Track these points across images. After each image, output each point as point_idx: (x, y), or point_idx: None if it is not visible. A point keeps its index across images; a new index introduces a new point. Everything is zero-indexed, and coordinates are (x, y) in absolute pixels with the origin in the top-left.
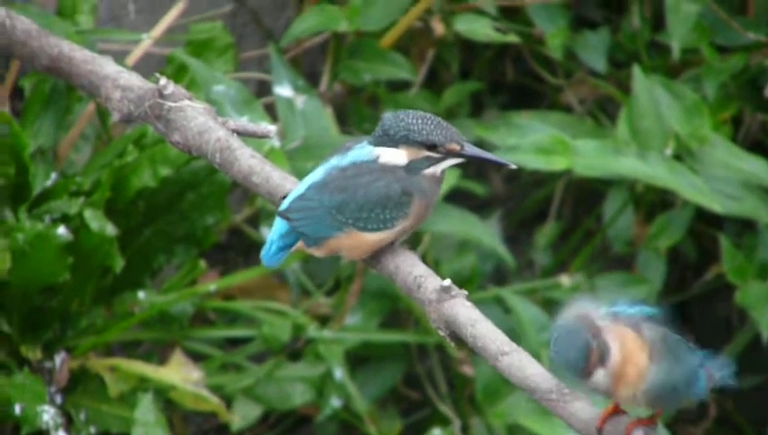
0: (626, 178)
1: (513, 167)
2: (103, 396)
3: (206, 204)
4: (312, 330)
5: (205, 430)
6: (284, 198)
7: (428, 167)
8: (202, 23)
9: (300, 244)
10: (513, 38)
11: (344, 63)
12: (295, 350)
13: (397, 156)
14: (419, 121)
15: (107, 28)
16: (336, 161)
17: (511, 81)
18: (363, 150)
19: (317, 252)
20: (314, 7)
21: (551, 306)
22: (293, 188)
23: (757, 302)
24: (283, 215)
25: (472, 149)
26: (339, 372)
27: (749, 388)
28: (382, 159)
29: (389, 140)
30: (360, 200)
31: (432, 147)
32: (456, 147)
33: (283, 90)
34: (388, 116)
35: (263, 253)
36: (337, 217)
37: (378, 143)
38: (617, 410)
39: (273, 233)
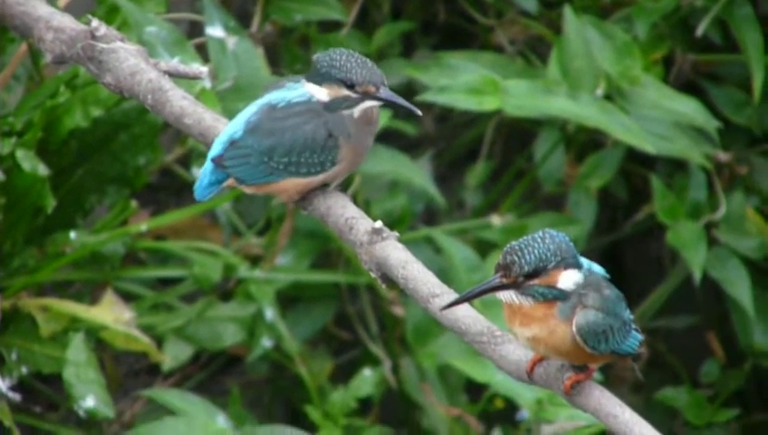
0: (557, 118)
1: (419, 114)
2: (35, 336)
3: (137, 144)
4: (243, 270)
5: (136, 370)
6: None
7: (347, 107)
8: None
9: (231, 181)
10: None
11: (275, 4)
12: (226, 290)
13: (320, 93)
14: (343, 59)
15: None
16: (268, 99)
17: (442, 21)
18: (296, 89)
19: (249, 190)
20: None
21: (482, 246)
22: (225, 128)
23: (688, 242)
24: (217, 162)
25: (386, 93)
26: (270, 313)
27: (681, 328)
28: (312, 97)
29: (317, 76)
30: (287, 144)
31: (351, 86)
32: (371, 88)
33: (215, 31)
34: (321, 53)
35: (195, 186)
36: (269, 163)
37: (308, 80)
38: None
39: (205, 168)
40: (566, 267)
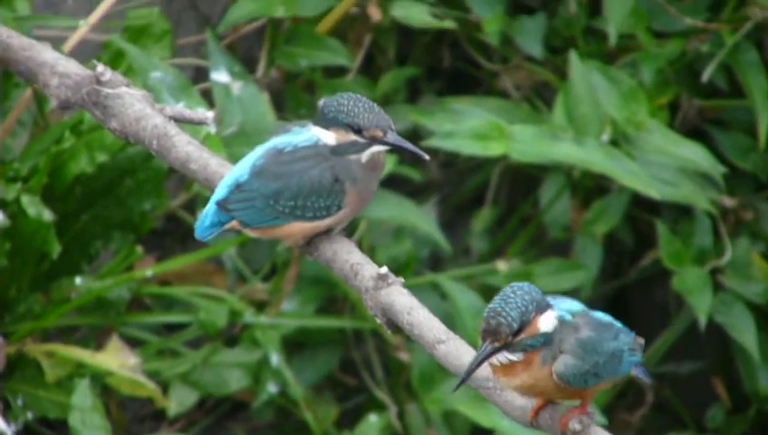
0: (562, 163)
1: (427, 158)
2: (40, 382)
3: (142, 190)
4: (249, 315)
5: (141, 416)
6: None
7: (354, 152)
8: (139, 9)
9: (234, 223)
10: (449, 24)
11: (281, 49)
12: (232, 336)
13: (327, 137)
14: (350, 104)
15: (44, 14)
16: (275, 143)
17: (448, 66)
18: (302, 133)
19: (253, 234)
20: None
21: (487, 292)
22: (230, 172)
23: (694, 288)
24: (222, 205)
25: (394, 138)
26: (275, 358)
27: (686, 374)
28: (318, 141)
29: (324, 121)
30: (294, 188)
31: (358, 130)
32: (379, 133)
33: (220, 76)
34: (327, 98)
35: (196, 225)
36: (275, 206)
37: (315, 124)
38: (548, 401)
39: (208, 209)
40: (541, 312)
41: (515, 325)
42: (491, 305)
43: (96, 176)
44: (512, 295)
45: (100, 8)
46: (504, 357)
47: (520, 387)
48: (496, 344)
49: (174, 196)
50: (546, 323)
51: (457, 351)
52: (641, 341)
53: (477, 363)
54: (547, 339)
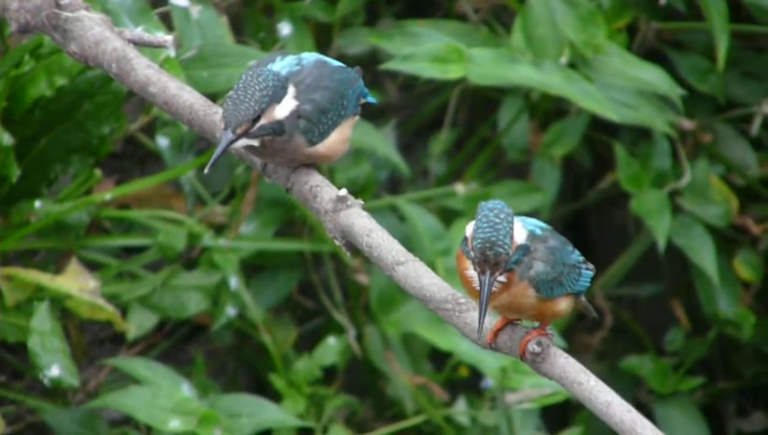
0: (521, 86)
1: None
2: None
3: (101, 113)
4: (208, 238)
5: (100, 339)
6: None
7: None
8: None
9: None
10: None
11: None
12: (190, 259)
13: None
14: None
15: None
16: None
17: None
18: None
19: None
20: None
21: (446, 215)
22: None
23: (653, 210)
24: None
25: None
26: (234, 281)
27: (645, 296)
28: None
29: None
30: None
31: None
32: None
33: None
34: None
35: None
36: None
37: None
38: (507, 323)
39: None
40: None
41: (510, 252)
42: (482, 235)
43: (55, 99)
44: (497, 221)
45: None
46: (503, 279)
47: (499, 307)
48: (497, 274)
49: (133, 119)
50: (520, 235)
51: (416, 272)
52: (591, 266)
53: (489, 296)
54: (526, 252)
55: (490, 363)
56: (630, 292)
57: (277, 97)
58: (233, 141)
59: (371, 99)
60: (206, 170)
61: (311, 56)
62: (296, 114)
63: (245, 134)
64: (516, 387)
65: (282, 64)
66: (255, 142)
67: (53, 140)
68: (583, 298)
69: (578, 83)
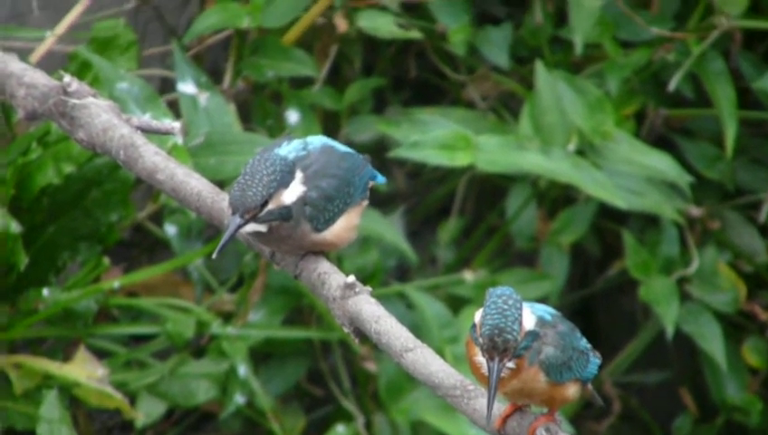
0: (529, 173)
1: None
2: (8, 393)
3: (109, 201)
4: (216, 326)
5: (109, 427)
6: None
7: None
8: (105, 20)
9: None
10: (415, 34)
11: (247, 60)
12: (199, 347)
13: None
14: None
15: (10, 26)
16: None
17: (414, 77)
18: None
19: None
20: (217, 4)
21: (454, 302)
22: (198, 184)
23: (661, 297)
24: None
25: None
26: (242, 369)
27: (653, 383)
28: None
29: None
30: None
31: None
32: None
33: (187, 87)
34: None
35: None
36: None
37: None
38: (516, 409)
39: None
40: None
41: (519, 338)
42: (490, 322)
43: (63, 187)
44: (506, 307)
45: (67, 19)
46: (511, 365)
47: (509, 393)
48: (505, 360)
49: (141, 207)
50: (529, 322)
51: (425, 359)
52: (598, 354)
53: (496, 386)
54: (534, 338)
55: None
56: (639, 379)
57: (285, 182)
58: (241, 226)
59: (381, 178)
60: (213, 256)
61: (317, 140)
62: (303, 201)
63: (254, 219)
64: None
65: (288, 149)
66: (263, 228)
67: (61, 227)
68: (590, 386)
69: (586, 171)
